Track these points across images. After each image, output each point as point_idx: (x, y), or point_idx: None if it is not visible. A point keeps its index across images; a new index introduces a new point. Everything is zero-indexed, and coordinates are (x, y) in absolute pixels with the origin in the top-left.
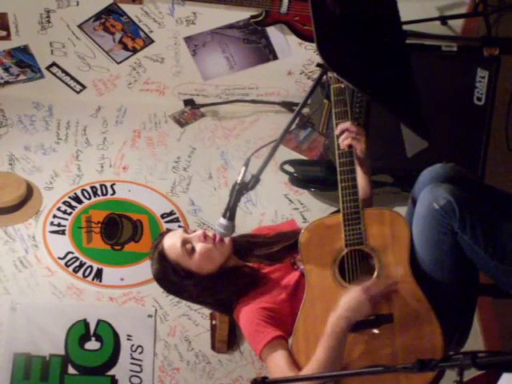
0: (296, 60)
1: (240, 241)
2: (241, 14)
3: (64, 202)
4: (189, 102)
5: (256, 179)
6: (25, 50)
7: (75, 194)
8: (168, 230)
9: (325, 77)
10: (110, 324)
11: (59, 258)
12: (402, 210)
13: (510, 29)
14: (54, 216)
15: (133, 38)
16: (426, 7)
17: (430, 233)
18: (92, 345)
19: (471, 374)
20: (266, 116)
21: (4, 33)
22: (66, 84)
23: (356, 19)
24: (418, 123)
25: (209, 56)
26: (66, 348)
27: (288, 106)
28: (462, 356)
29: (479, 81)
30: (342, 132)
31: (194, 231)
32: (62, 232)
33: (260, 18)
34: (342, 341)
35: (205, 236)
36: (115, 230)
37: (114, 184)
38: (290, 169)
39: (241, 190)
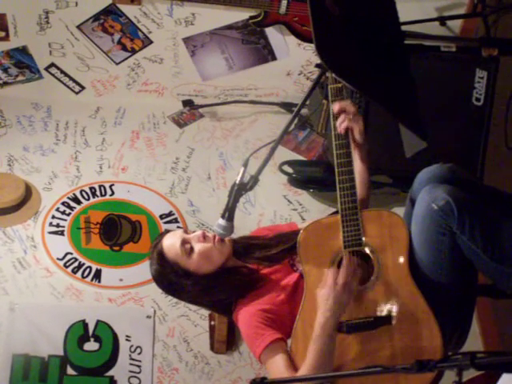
0: (295, 61)
1: (239, 242)
2: (240, 15)
3: (63, 203)
4: (188, 103)
5: (255, 180)
6: (23, 50)
7: (74, 194)
8: (167, 231)
9: (323, 77)
10: (108, 325)
11: (58, 259)
12: (401, 211)
13: (508, 29)
14: (53, 217)
15: (131, 39)
16: (424, 8)
17: (429, 233)
18: (91, 345)
19: (470, 374)
20: (265, 117)
21: (3, 33)
22: (65, 85)
23: (355, 20)
24: (417, 123)
25: (208, 57)
26: (65, 349)
27: (287, 106)
28: (461, 356)
29: (478, 81)
30: (340, 113)
31: (194, 232)
32: (61, 233)
33: (259, 19)
34: (331, 340)
35: (204, 236)
36: (114, 230)
37: (112, 185)
38: (289, 169)
39: (240, 190)
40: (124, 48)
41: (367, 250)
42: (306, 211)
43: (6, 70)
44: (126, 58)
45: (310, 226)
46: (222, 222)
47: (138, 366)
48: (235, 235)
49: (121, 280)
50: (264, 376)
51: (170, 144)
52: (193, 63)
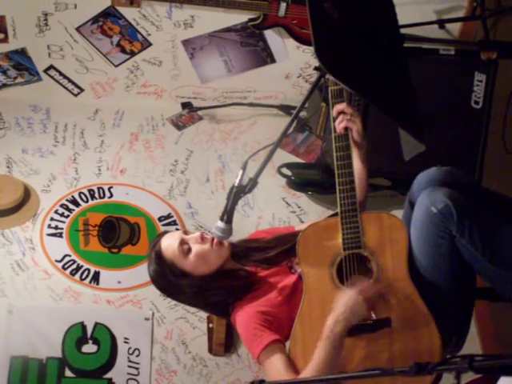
0: (294, 63)
1: (237, 245)
2: (239, 17)
3: (61, 205)
4: (186, 105)
5: (253, 182)
6: (22, 52)
7: (72, 196)
8: (166, 231)
9: (322, 80)
10: (107, 327)
11: (56, 261)
12: (400, 213)
13: (507, 32)
14: (52, 219)
15: (130, 41)
16: (423, 11)
17: (428, 236)
18: (89, 348)
19: (468, 377)
20: (264, 119)
21: (2, 35)
22: (64, 87)
23: (354, 22)
24: (416, 127)
25: (206, 59)
26: (63, 351)
27: (285, 109)
28: (460, 359)
29: (477, 84)
30: (338, 114)
31: (193, 233)
32: (60, 235)
33: (258, 21)
34: (339, 344)
35: (202, 238)
36: (112, 232)
37: (111, 187)
38: (288, 172)
39: (238, 193)
40: (123, 50)
41: (366, 253)
42: (304, 214)
43: (4, 72)
44: (125, 61)
45: (309, 227)
46: (220, 224)
47: (136, 369)
48: (234, 238)
49: (119, 282)
50: (262, 378)
51: (168, 146)
52: (192, 66)
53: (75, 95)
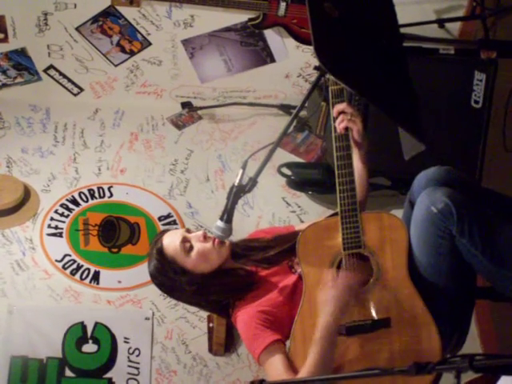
0: (293, 63)
1: (237, 245)
2: (238, 17)
3: (61, 205)
4: (186, 105)
5: (253, 182)
6: (22, 52)
7: (72, 196)
8: (168, 229)
9: (322, 79)
10: (107, 327)
11: (56, 261)
12: (399, 213)
13: (507, 32)
14: (52, 218)
15: (130, 41)
16: (423, 10)
17: (428, 236)
18: (89, 347)
19: (468, 376)
20: (264, 119)
21: (1, 35)
22: (64, 86)
23: (354, 22)
24: (416, 126)
25: (206, 59)
26: (64, 351)
27: (285, 108)
28: (460, 359)
29: (476, 84)
30: (339, 114)
31: (195, 232)
32: (60, 235)
33: (257, 21)
34: (332, 342)
35: (205, 236)
36: (112, 232)
37: (111, 187)
38: (288, 171)
39: (238, 192)
40: (123, 50)
41: (366, 252)
42: (304, 213)
43: (4, 72)
44: (125, 60)
45: (309, 227)
46: (220, 223)
47: (137, 368)
48: (234, 237)
49: (119, 282)
50: (262, 378)
51: (168, 146)
52: (191, 65)
53: (75, 95)
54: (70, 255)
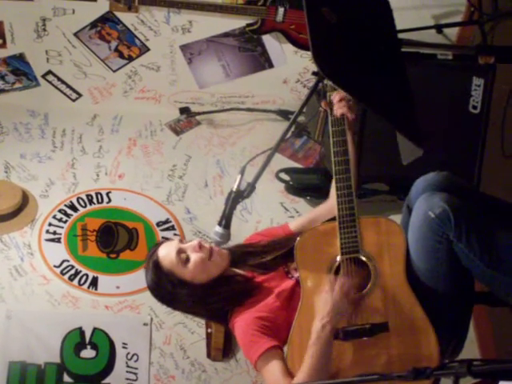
0: (291, 68)
1: (233, 250)
2: (236, 22)
3: (59, 210)
4: (184, 111)
5: (252, 187)
6: (20, 58)
7: (71, 202)
8: (163, 241)
9: (320, 85)
10: (105, 332)
11: (55, 266)
12: (398, 218)
13: (505, 37)
14: (50, 224)
15: (128, 46)
16: (421, 16)
17: (426, 241)
18: (87, 353)
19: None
20: (262, 124)
21: (0, 41)
22: (62, 92)
23: (352, 27)
24: (413, 131)
25: (205, 64)
26: (62, 356)
27: (284, 114)
28: (458, 364)
29: (474, 89)
30: (340, 100)
31: (190, 241)
32: (58, 240)
33: (256, 27)
34: (327, 347)
35: (200, 246)
36: (111, 238)
37: (109, 192)
38: (286, 177)
39: (236, 198)
40: (121, 55)
41: (364, 257)
42: (301, 216)
43: (2, 78)
44: (123, 66)
45: (307, 232)
46: (218, 229)
47: (135, 374)
48: (232, 242)
49: (117, 287)
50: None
51: (166, 151)
52: (190, 71)
53: (73, 100)
54: (68, 261)
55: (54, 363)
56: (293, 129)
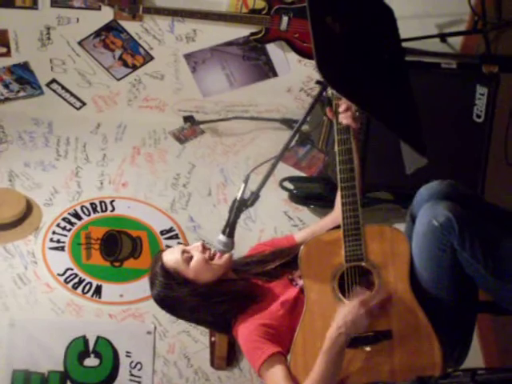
0: (295, 77)
1: (236, 262)
2: (240, 31)
3: (63, 219)
4: (188, 119)
5: (255, 196)
6: (25, 66)
7: (75, 210)
8: (165, 249)
9: (324, 93)
10: (109, 340)
11: (58, 275)
12: (402, 227)
13: (509, 46)
14: (54, 232)
15: (133, 55)
16: (425, 24)
17: (430, 250)
18: (91, 361)
19: None
20: (266, 133)
21: (4, 49)
22: (66, 100)
23: (355, 36)
24: (418, 140)
25: (208, 73)
26: (65, 364)
27: (287, 122)
28: (462, 373)
29: (478, 98)
30: (346, 110)
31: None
32: (62, 248)
33: (260, 35)
34: (340, 356)
35: (203, 246)
36: (114, 246)
37: (113, 200)
38: (290, 186)
39: (240, 206)
40: (125, 64)
41: (368, 265)
42: (306, 227)
43: (7, 86)
44: (127, 74)
45: (311, 240)
46: (222, 238)
47: (139, 382)
48: (236, 251)
49: (121, 296)
50: None
51: (170, 160)
52: (194, 79)
53: (77, 109)
54: (72, 269)
55: (57, 371)
56: (297, 137)
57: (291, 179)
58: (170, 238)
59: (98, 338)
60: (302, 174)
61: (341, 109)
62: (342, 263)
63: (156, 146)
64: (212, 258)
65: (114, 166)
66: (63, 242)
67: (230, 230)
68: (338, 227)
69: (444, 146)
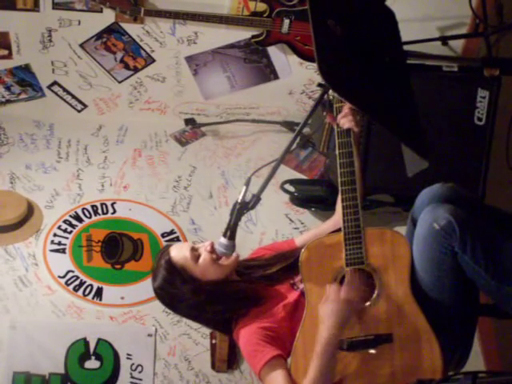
0: (297, 80)
1: (238, 265)
2: (242, 34)
3: (64, 221)
4: (190, 122)
5: (257, 198)
6: (26, 68)
7: (76, 212)
8: (170, 244)
9: (326, 96)
10: (109, 343)
11: (59, 277)
12: (403, 230)
13: (510, 49)
14: (55, 235)
15: (134, 57)
16: (426, 28)
17: (431, 253)
18: (92, 364)
19: None
20: (267, 135)
21: (6, 52)
22: (67, 103)
23: (357, 39)
24: (419, 143)
25: (210, 75)
26: (66, 367)
27: (289, 125)
28: (463, 376)
29: (480, 101)
30: (347, 113)
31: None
32: (63, 251)
33: (261, 38)
34: (331, 357)
35: (212, 247)
36: (115, 248)
37: (114, 203)
38: (291, 188)
39: (241, 209)
40: (126, 66)
41: (369, 268)
42: (307, 230)
43: (8, 88)
44: (129, 77)
45: (312, 244)
46: (223, 240)
47: None
48: (235, 254)
49: (122, 298)
50: None
51: (171, 162)
52: (195, 82)
53: (79, 111)
54: (72, 271)
55: (58, 374)
56: (298, 140)
57: (292, 182)
58: (171, 240)
59: (99, 340)
60: (304, 177)
61: (342, 112)
62: (343, 266)
63: (157, 149)
64: (219, 258)
65: (115, 169)
66: (64, 245)
67: (231, 232)
68: (338, 230)
69: (445, 148)
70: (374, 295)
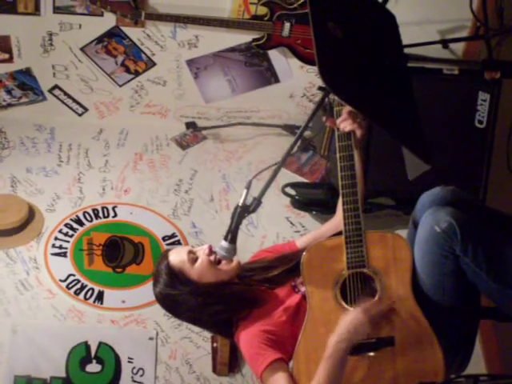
0: (298, 83)
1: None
2: (243, 37)
3: (66, 225)
4: (191, 125)
5: (257, 202)
6: (27, 72)
7: (77, 216)
8: (170, 249)
9: (326, 99)
10: (111, 346)
11: (60, 281)
12: (404, 233)
13: (511, 52)
14: (56, 238)
15: (135, 61)
16: (427, 31)
17: (432, 256)
18: (93, 367)
19: None
20: (268, 139)
21: (7, 55)
22: (68, 106)
23: (358, 42)
24: (420, 146)
25: (211, 79)
26: (67, 370)
27: (290, 128)
28: (464, 379)
29: (480, 104)
30: (347, 116)
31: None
32: (64, 254)
33: (262, 41)
34: (342, 362)
35: (210, 249)
36: (117, 252)
37: (115, 206)
38: (292, 191)
39: (242, 212)
40: (127, 70)
41: (370, 272)
42: (308, 233)
43: (9, 92)
44: (130, 80)
45: (313, 247)
46: (224, 243)
47: None
48: (238, 257)
49: (123, 302)
50: None
51: (172, 166)
52: (196, 85)
53: (80, 115)
54: (74, 275)
55: (59, 377)
56: (299, 143)
57: (293, 185)
58: (172, 243)
59: (100, 343)
60: (305, 180)
61: (343, 115)
62: (344, 269)
63: (158, 152)
64: (218, 262)
65: (116, 172)
66: (65, 248)
67: (232, 235)
68: (339, 233)
69: (446, 151)
70: (376, 298)
